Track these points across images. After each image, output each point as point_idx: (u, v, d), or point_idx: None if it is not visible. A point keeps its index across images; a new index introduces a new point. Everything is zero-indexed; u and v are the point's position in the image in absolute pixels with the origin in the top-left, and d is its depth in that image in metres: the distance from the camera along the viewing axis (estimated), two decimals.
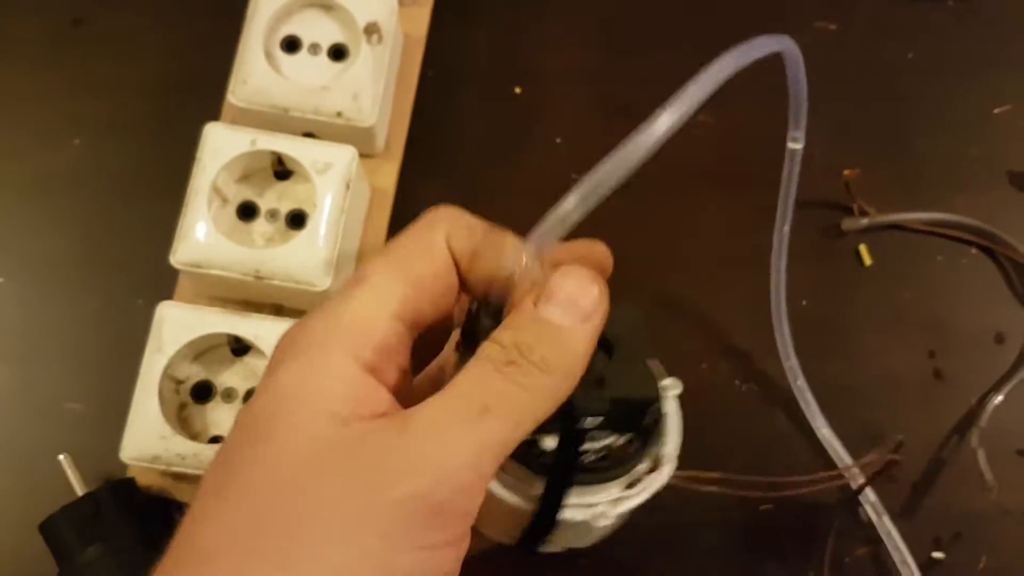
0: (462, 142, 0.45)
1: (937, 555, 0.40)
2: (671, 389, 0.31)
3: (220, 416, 0.37)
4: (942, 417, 0.42)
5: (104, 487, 0.36)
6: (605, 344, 0.26)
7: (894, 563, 0.39)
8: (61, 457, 0.36)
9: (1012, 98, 0.46)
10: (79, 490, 0.36)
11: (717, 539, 0.40)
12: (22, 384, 0.41)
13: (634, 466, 0.28)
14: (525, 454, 0.25)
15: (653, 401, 0.27)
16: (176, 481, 0.37)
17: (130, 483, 0.37)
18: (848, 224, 0.43)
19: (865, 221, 0.43)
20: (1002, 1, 0.47)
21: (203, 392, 0.37)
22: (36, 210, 0.43)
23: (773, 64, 0.46)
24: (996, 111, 0.46)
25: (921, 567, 0.39)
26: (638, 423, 0.27)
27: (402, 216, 0.43)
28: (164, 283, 0.39)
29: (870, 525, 0.40)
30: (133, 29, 0.46)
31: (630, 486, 0.28)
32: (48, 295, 0.42)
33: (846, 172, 0.42)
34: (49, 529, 0.36)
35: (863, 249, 0.44)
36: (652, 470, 0.29)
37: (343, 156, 0.38)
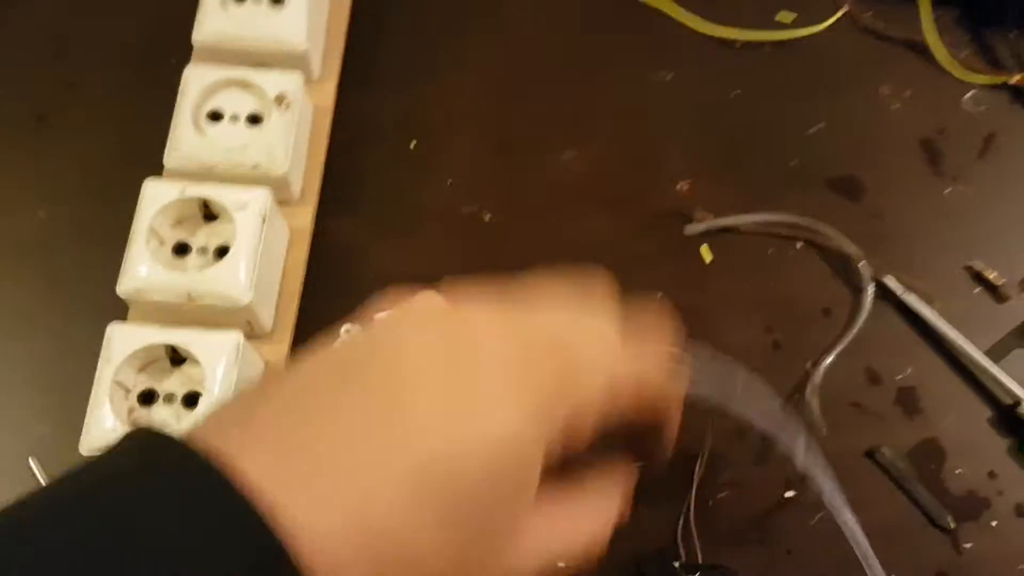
0: (371, 187, 0.54)
1: (789, 494, 0.47)
2: None
3: (163, 416, 0.44)
4: (783, 380, 0.50)
5: None
6: None
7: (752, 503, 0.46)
8: (31, 460, 0.43)
9: (824, 119, 0.56)
10: None
11: None
12: None
13: None
14: None
15: None
16: None
17: None
18: (689, 229, 0.52)
19: (703, 225, 0.52)
20: (807, 45, 0.57)
21: (148, 398, 0.44)
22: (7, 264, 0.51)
23: (619, 101, 0.55)
24: (810, 131, 0.55)
25: (778, 505, 0.47)
26: None
27: (319, 250, 0.51)
28: (120, 315, 0.47)
29: (727, 473, 0.47)
30: (90, 116, 0.55)
31: None
32: (7, 332, 0.50)
33: (679, 184, 0.51)
34: None
35: (704, 249, 0.52)
36: None
37: (258, 196, 0.46)
